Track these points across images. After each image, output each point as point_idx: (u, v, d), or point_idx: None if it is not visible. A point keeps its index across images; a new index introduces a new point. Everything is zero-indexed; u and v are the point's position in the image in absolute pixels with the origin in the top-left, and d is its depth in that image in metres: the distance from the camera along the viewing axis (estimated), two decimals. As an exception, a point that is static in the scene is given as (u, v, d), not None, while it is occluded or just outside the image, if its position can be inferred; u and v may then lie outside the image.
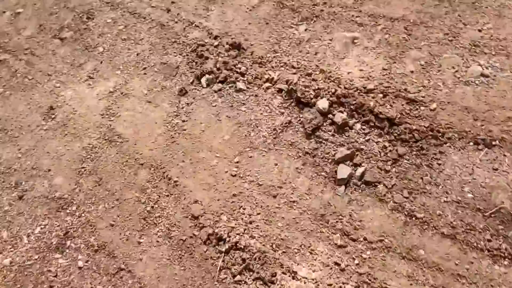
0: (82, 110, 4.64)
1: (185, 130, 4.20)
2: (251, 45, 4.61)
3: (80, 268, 3.65)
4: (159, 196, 3.86)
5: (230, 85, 4.37)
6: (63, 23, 5.64)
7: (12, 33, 5.80)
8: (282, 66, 4.35)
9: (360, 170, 3.54)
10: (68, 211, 3.98)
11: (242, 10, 4.95)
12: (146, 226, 3.74)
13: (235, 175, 3.82)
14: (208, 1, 5.18)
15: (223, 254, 3.45)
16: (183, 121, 4.26)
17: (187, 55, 4.75)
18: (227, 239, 3.48)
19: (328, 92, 3.91)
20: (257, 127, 4.04)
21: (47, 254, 3.78)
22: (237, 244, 3.44)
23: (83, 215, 3.92)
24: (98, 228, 3.81)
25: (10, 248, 3.89)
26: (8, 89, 5.13)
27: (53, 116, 4.70)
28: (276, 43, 4.55)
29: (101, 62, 5.04)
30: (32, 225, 3.98)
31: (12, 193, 4.23)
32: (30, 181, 4.26)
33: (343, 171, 3.56)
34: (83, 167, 4.21)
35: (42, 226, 3.95)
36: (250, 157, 3.89)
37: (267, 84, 4.26)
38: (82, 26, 5.50)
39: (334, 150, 3.70)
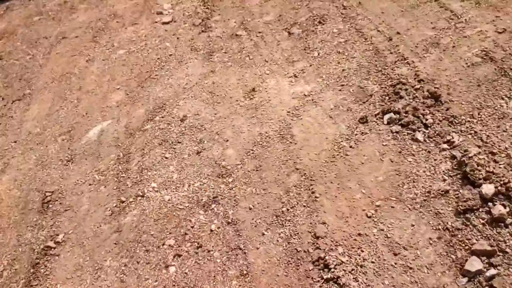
0: (275, 102, 5.16)
1: (347, 155, 4.36)
2: (451, 101, 4.46)
3: (211, 231, 4.21)
4: (297, 203, 4.15)
5: (409, 131, 4.34)
6: (298, 20, 6.21)
7: (256, 15, 6.62)
8: (470, 134, 4.13)
9: (492, 272, 3.25)
10: (224, 180, 4.57)
11: (459, 63, 4.77)
12: (275, 223, 4.09)
13: (369, 217, 3.87)
14: (431, 44, 5.11)
15: (323, 281, 3.60)
16: (350, 147, 4.42)
17: (385, 87, 4.83)
18: (333, 269, 3.61)
19: (501, 179, 3.62)
20: (414, 182, 3.97)
21: (194, 207, 4.44)
22: (339, 279, 3.55)
23: (233, 189, 4.46)
24: (239, 206, 4.31)
25: (173, 189, 4.68)
26: (231, 61, 5.96)
27: (251, 97, 5.33)
28: (477, 109, 4.31)
29: (310, 66, 5.46)
30: (195, 178, 4.69)
31: (194, 146, 5.02)
32: (210, 143, 4.98)
33: (474, 264, 3.31)
34: (252, 150, 4.74)
35: (202, 183, 4.62)
36: (392, 207, 3.88)
37: (445, 146, 4.11)
38: (311, 28, 5.98)
39: (476, 240, 3.45)
